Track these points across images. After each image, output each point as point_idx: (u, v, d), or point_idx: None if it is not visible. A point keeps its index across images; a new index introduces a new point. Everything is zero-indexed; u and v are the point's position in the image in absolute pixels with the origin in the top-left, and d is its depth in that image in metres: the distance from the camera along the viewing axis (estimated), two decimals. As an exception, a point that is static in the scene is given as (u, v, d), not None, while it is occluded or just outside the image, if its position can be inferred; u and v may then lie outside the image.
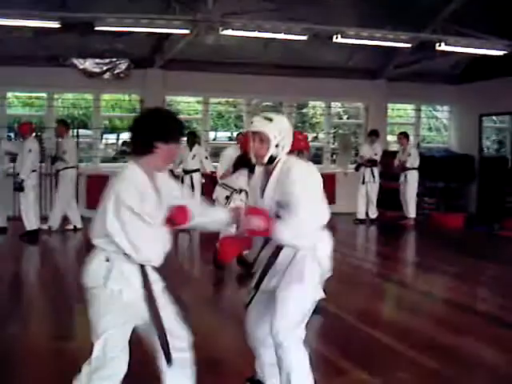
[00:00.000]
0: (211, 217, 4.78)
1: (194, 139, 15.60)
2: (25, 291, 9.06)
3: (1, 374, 5.42)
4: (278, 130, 4.72)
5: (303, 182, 4.68)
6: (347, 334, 7.02)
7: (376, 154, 16.63)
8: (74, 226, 14.62)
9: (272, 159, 4.71)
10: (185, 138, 15.49)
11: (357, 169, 17.03)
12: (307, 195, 4.61)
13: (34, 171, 13.46)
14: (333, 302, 8.23)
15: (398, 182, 16.59)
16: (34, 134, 13.86)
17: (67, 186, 14.56)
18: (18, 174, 13.28)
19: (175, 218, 4.37)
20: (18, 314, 7.62)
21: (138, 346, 4.44)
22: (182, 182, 15.23)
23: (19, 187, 13.22)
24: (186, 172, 15.35)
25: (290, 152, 5.00)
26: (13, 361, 5.77)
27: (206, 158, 15.50)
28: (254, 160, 4.81)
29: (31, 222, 13.39)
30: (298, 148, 7.10)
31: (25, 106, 18.74)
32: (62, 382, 5.29)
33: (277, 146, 4.69)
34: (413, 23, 15.94)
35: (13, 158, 14.47)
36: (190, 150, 15.41)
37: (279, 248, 4.79)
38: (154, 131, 4.22)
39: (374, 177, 16.52)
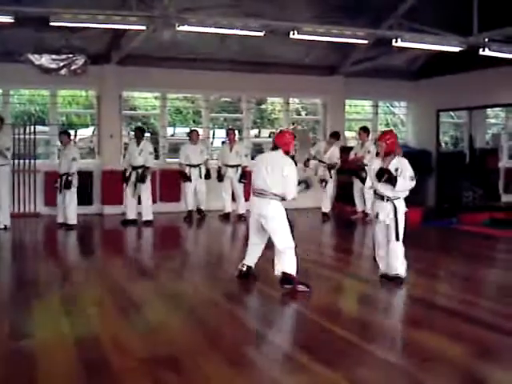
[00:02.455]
0: None
1: (141, 134, 15.57)
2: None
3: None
4: None
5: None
6: (307, 330, 7.01)
7: (338, 158, 16.66)
8: (5, 226, 14.35)
9: None
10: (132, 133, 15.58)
11: (306, 164, 16.84)
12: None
13: None
14: (294, 298, 8.25)
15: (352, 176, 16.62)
16: None
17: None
18: None
19: None
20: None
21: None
22: (129, 177, 15.18)
23: None
24: (134, 168, 15.25)
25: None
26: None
27: (151, 153, 15.45)
28: None
29: None
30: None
31: (-21, 102, 18.53)
32: (16, 382, 5.23)
33: None
34: (369, 20, 16.05)
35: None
36: (138, 145, 15.37)
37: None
38: None
39: (331, 176, 16.54)
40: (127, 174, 15.29)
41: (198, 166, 16.35)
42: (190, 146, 16.51)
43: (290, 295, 8.35)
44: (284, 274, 8.59)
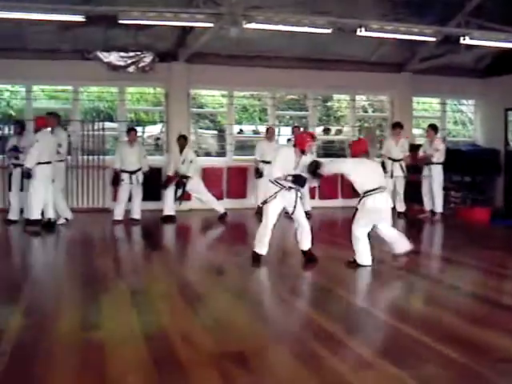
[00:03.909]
0: None
1: (183, 142, 15.61)
2: (53, 282, 9.09)
3: (27, 363, 5.43)
4: None
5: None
6: (375, 328, 6.98)
7: (408, 151, 16.58)
8: (66, 219, 14.59)
9: None
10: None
11: (383, 167, 16.81)
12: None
13: (48, 163, 13.40)
14: (360, 296, 8.24)
15: (421, 175, 16.47)
16: (48, 128, 13.88)
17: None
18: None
19: None
20: (45, 304, 7.67)
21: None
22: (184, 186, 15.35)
23: (26, 176, 13.26)
24: (181, 177, 15.43)
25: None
26: (40, 350, 5.78)
27: (191, 161, 15.41)
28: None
29: (33, 212, 13.35)
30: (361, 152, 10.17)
31: (50, 99, 18.82)
32: (87, 372, 5.32)
33: None
34: (437, 17, 15.91)
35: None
36: (180, 153, 15.47)
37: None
38: None
39: (403, 171, 16.40)
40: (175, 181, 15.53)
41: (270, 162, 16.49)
42: (265, 143, 16.64)
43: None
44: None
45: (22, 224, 13.69)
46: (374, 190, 9.77)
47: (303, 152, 9.96)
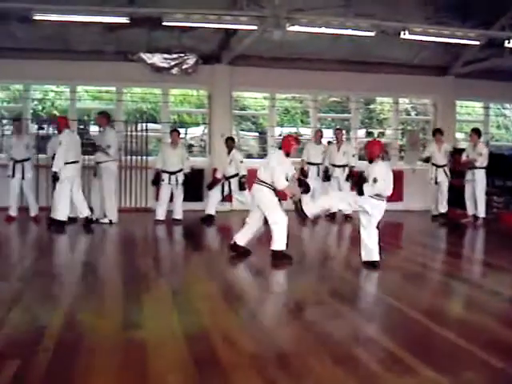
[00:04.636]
0: None
1: (231, 144, 15.60)
2: (95, 281, 9.17)
3: (69, 362, 5.50)
4: None
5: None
6: (415, 332, 6.96)
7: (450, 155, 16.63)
8: (110, 221, 14.65)
9: None
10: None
11: (426, 161, 16.75)
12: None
13: (73, 163, 13.56)
14: (401, 300, 8.21)
15: (464, 179, 16.35)
16: (69, 128, 14.00)
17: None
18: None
19: None
20: (87, 302, 7.74)
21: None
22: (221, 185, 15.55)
23: (53, 179, 13.44)
24: (226, 178, 15.48)
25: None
26: (81, 348, 5.86)
27: (241, 161, 15.41)
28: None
29: (60, 212, 13.47)
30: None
31: (94, 100, 18.96)
32: (128, 371, 5.38)
33: None
34: (480, 21, 15.80)
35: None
36: (228, 154, 15.49)
37: None
38: None
39: (447, 176, 16.38)
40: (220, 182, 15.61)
41: (317, 164, 16.55)
42: (312, 145, 16.94)
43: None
44: (272, 251, 10.51)
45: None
46: (383, 198, 10.00)
47: (288, 155, 10.58)
